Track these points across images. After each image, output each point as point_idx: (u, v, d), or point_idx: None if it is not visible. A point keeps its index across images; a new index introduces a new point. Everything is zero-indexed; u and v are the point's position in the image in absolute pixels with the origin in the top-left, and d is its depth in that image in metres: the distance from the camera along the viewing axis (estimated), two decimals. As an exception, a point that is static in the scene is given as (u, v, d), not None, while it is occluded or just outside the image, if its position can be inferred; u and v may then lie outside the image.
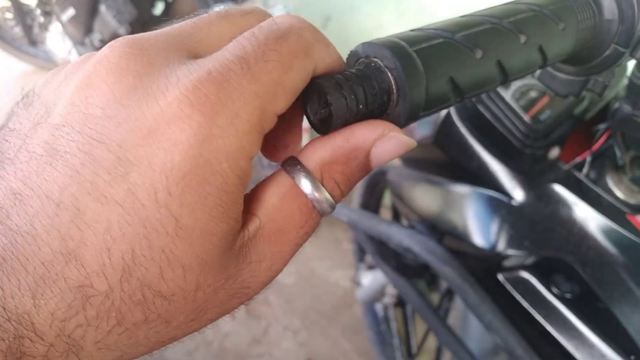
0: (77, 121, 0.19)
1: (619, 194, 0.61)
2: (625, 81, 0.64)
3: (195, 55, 0.21)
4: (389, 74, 0.23)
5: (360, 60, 0.24)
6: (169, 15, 1.54)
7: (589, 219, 0.60)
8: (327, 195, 0.22)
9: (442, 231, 0.68)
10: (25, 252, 0.17)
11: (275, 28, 0.21)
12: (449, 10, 1.52)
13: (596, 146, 0.57)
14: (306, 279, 1.75)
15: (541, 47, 0.28)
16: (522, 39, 0.27)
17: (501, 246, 0.61)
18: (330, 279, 1.75)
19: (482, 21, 0.26)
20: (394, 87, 0.23)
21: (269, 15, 0.24)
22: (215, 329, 1.52)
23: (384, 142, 0.23)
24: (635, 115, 0.45)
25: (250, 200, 0.22)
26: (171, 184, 0.18)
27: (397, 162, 0.90)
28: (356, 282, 1.46)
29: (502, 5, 0.29)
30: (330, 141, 0.23)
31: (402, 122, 0.24)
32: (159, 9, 1.67)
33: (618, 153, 0.57)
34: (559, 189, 0.61)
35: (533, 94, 0.64)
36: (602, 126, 0.57)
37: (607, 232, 0.59)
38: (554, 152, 0.61)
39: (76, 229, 0.18)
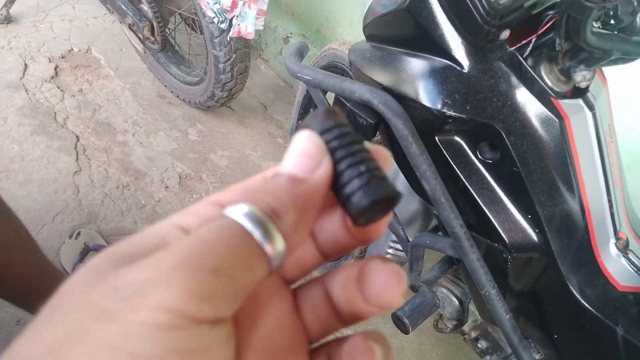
0: None
1: (548, 81, 0.71)
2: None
3: None
4: None
5: None
6: None
7: (522, 96, 0.70)
8: None
9: (398, 96, 0.76)
10: None
11: None
12: None
13: (541, 30, 0.67)
14: (239, 163, 1.81)
15: None
16: None
17: (446, 108, 0.70)
18: (263, 166, 1.82)
19: None
20: None
21: None
22: (149, 195, 1.56)
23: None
24: (582, -2, 0.54)
25: None
26: None
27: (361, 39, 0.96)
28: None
29: None
30: None
31: None
32: None
33: (557, 40, 0.67)
34: (502, 66, 0.70)
35: (496, -18, 0.72)
36: (550, 12, 0.66)
37: (534, 109, 0.70)
38: (505, 34, 0.69)
39: None
